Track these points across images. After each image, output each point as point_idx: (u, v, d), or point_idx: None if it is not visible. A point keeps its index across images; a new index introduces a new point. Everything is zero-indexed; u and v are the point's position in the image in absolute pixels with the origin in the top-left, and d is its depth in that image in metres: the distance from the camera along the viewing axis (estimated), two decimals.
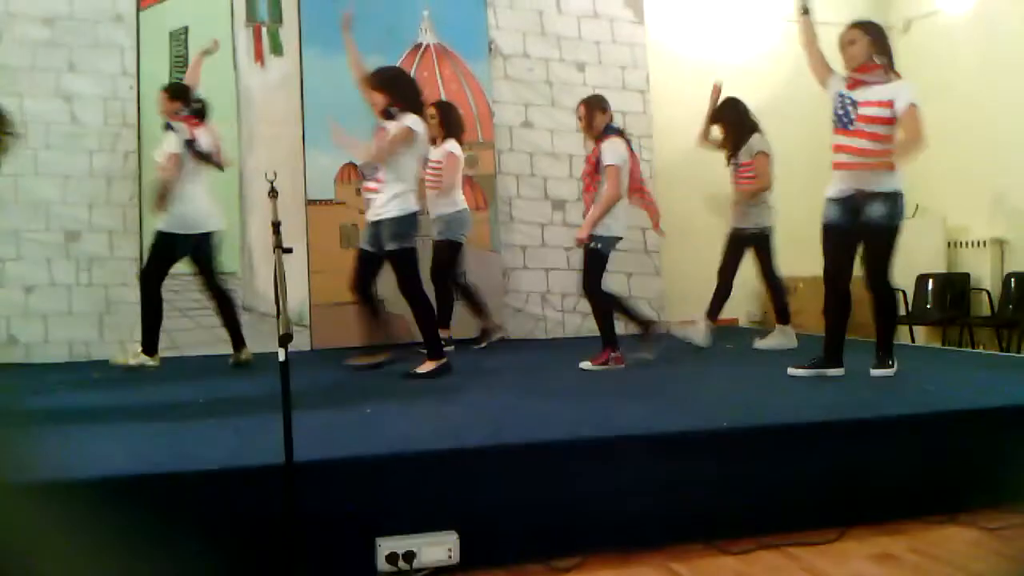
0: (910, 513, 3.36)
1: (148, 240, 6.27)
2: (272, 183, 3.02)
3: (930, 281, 7.62)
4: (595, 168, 5.11)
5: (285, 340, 2.51)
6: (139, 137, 6.37)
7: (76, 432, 3.60)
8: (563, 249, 7.20)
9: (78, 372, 5.48)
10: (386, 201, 4.83)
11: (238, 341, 5.54)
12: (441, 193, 5.98)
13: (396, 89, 4.94)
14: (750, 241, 5.95)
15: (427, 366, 4.89)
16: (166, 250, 5.39)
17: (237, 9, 6.68)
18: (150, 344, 5.43)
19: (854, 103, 4.35)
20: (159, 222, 5.38)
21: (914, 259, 7.07)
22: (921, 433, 3.53)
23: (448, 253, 6.11)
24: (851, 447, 3.44)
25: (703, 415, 3.69)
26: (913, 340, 7.51)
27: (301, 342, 6.30)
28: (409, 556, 2.85)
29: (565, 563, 2.98)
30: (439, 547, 2.90)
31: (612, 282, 7.21)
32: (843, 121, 4.38)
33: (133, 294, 6.25)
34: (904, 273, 5.73)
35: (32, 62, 6.23)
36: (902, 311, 6.67)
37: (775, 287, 6.06)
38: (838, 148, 4.42)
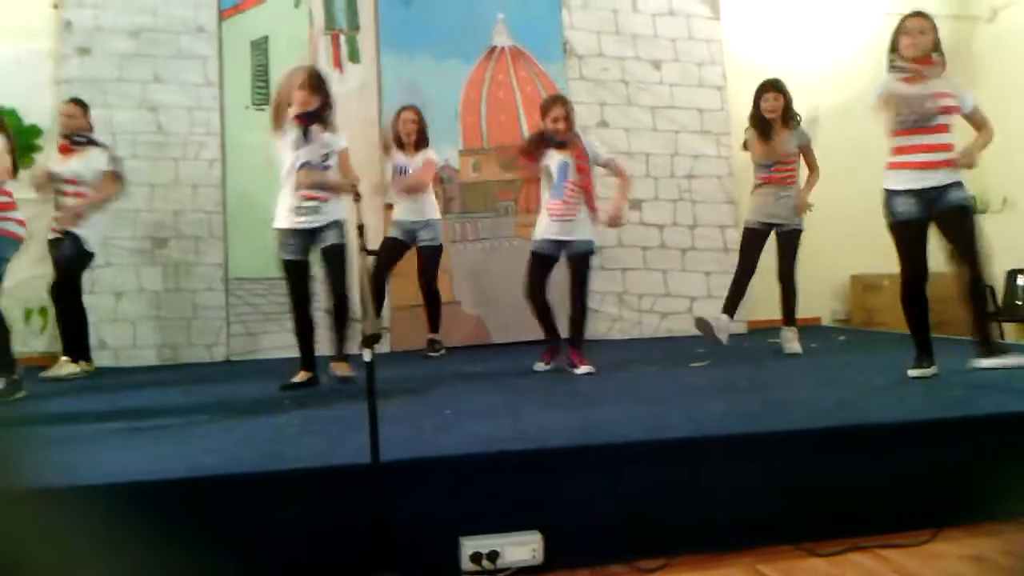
0: (1005, 515, 3.26)
1: (234, 246, 6.47)
2: (356, 188, 3.07)
3: (1019, 276, 7.39)
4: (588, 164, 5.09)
5: (371, 340, 2.54)
6: (223, 145, 6.53)
7: (164, 431, 3.70)
8: (640, 248, 7.16)
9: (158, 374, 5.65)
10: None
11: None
12: (426, 198, 6.04)
13: (329, 93, 4.80)
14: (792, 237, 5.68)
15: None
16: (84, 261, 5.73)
17: (315, 17, 6.79)
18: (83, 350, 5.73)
19: (925, 98, 4.24)
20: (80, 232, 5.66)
21: (1003, 254, 6.84)
22: (1017, 432, 3.42)
23: (439, 257, 6.18)
24: (944, 447, 3.34)
25: (790, 415, 3.64)
26: (1003, 337, 7.28)
27: (381, 344, 6.37)
28: (493, 556, 2.86)
29: (650, 564, 2.95)
30: (523, 547, 2.90)
31: (690, 281, 7.18)
32: (920, 123, 4.27)
33: (219, 299, 6.42)
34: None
35: (119, 74, 6.42)
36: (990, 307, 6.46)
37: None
38: (914, 149, 4.32)
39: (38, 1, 6.41)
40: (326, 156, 4.68)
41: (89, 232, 5.72)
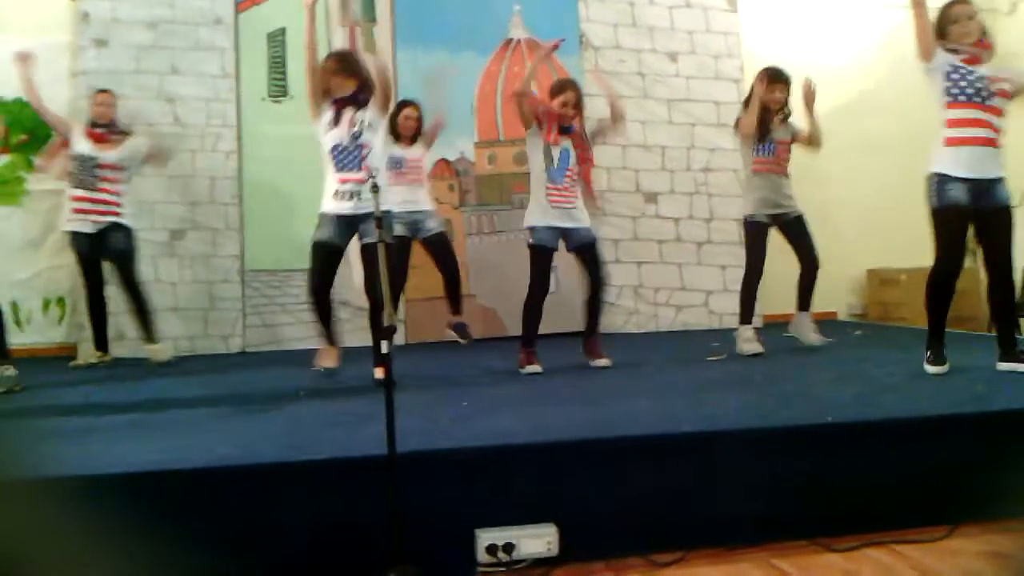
0: (1022, 512, 3.24)
1: (251, 238, 6.50)
2: (374, 178, 3.06)
3: None
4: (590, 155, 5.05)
5: (388, 333, 2.54)
6: (239, 137, 6.55)
7: (182, 422, 3.73)
8: (656, 242, 7.14)
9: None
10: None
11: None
12: (424, 189, 6.00)
13: (364, 74, 4.65)
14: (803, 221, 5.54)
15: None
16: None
17: (332, 10, 6.79)
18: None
19: (983, 78, 4.16)
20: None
21: (1021, 248, 6.80)
22: None
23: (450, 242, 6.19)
24: (961, 443, 3.33)
25: (806, 410, 3.62)
26: (1020, 332, 7.23)
27: (397, 336, 6.37)
28: (509, 548, 2.86)
29: (666, 558, 2.95)
30: (538, 539, 2.91)
31: (706, 274, 7.16)
32: (981, 95, 4.13)
33: (235, 290, 6.45)
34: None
35: (136, 65, 6.44)
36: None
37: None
38: (972, 123, 4.15)
39: None
40: (356, 134, 4.48)
41: (133, 221, 5.83)
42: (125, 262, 5.75)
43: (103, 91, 5.90)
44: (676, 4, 7.33)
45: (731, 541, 3.06)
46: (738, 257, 7.09)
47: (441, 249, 5.99)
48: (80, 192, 5.70)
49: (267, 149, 6.55)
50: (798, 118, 5.53)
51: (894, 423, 3.37)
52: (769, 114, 5.41)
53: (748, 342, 5.37)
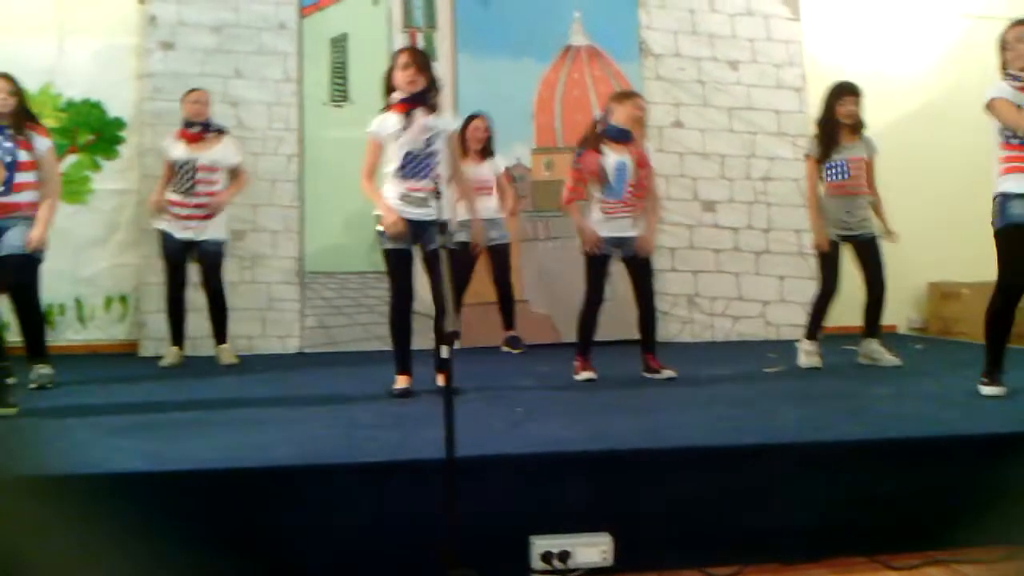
0: None
1: (309, 240, 6.57)
2: (437, 184, 3.07)
3: None
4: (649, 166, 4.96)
5: (451, 338, 2.55)
6: (301, 141, 6.63)
7: (243, 421, 3.78)
8: (712, 251, 7.08)
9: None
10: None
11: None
12: (493, 198, 6.12)
13: (434, 74, 4.51)
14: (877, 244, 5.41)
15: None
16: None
17: (394, 15, 6.85)
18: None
19: None
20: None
21: None
22: None
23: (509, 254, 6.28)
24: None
25: (865, 424, 3.57)
26: None
27: None
28: (564, 556, 2.87)
29: (721, 571, 2.94)
30: (593, 548, 2.91)
31: (763, 285, 7.09)
32: None
33: (293, 292, 6.52)
34: None
35: (201, 69, 6.53)
36: None
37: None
38: None
39: None
40: (429, 140, 4.34)
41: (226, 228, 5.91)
42: (214, 268, 5.80)
43: (196, 89, 5.88)
44: (738, 12, 7.27)
45: (788, 556, 3.04)
46: (797, 268, 7.06)
47: (500, 261, 6.07)
48: (176, 196, 5.70)
49: (328, 153, 6.61)
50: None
51: (956, 440, 3.32)
52: (837, 127, 5.29)
53: (808, 355, 5.30)
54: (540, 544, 2.88)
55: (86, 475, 2.86)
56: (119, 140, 6.58)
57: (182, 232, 5.70)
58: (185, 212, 5.69)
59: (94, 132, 6.52)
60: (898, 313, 7.45)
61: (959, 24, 7.46)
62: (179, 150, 5.72)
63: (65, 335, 6.41)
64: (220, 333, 5.89)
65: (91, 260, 6.53)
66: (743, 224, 7.15)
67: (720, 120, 7.15)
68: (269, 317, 6.50)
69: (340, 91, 6.72)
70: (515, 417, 3.81)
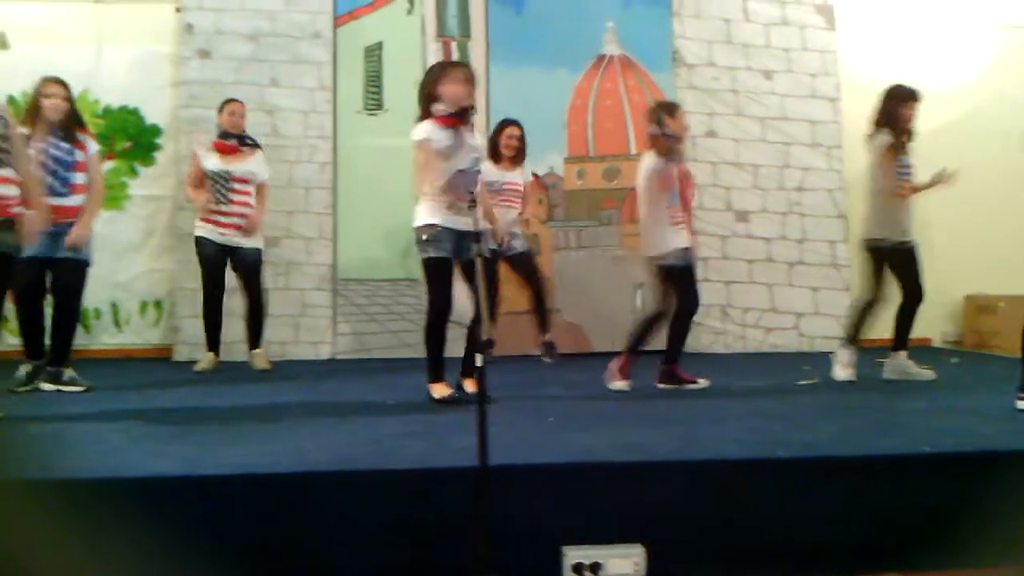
0: None
1: (343, 247, 6.61)
2: (471, 193, 3.08)
3: None
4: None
5: (486, 346, 2.56)
6: (335, 149, 6.68)
7: (276, 426, 3.80)
8: (745, 261, 7.04)
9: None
10: None
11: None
12: (515, 212, 6.12)
13: None
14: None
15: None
16: None
17: (428, 25, 6.89)
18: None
19: None
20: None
21: None
22: None
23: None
24: None
25: (901, 438, 3.53)
26: None
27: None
28: (596, 567, 2.84)
29: None
30: (625, 560, 2.88)
31: (796, 296, 7.03)
32: None
33: (326, 298, 6.56)
34: None
35: (236, 77, 6.60)
36: None
37: None
38: None
39: (161, 5, 6.65)
40: (477, 159, 4.40)
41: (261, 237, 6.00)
42: (254, 275, 5.89)
43: (234, 100, 5.95)
44: (772, 21, 7.24)
45: (822, 570, 3.00)
46: (831, 279, 7.00)
47: (527, 268, 6.08)
48: (213, 205, 5.77)
49: (361, 161, 6.66)
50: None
51: (994, 456, 3.26)
52: (907, 133, 5.21)
53: (844, 368, 5.21)
54: (572, 555, 2.85)
55: (122, 479, 2.88)
56: (155, 147, 6.67)
57: (220, 238, 5.76)
58: (222, 219, 5.76)
59: (131, 139, 6.61)
60: (933, 326, 7.36)
61: (996, 35, 7.38)
62: (212, 161, 5.79)
63: (101, 339, 6.51)
64: (255, 338, 5.94)
65: (127, 265, 6.60)
66: (776, 235, 7.10)
67: (754, 130, 7.12)
68: (302, 323, 6.55)
69: (374, 99, 6.76)
70: (547, 426, 3.80)
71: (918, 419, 4.02)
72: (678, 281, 4.89)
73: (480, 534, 2.63)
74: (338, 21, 6.82)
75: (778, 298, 7.06)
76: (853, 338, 5.28)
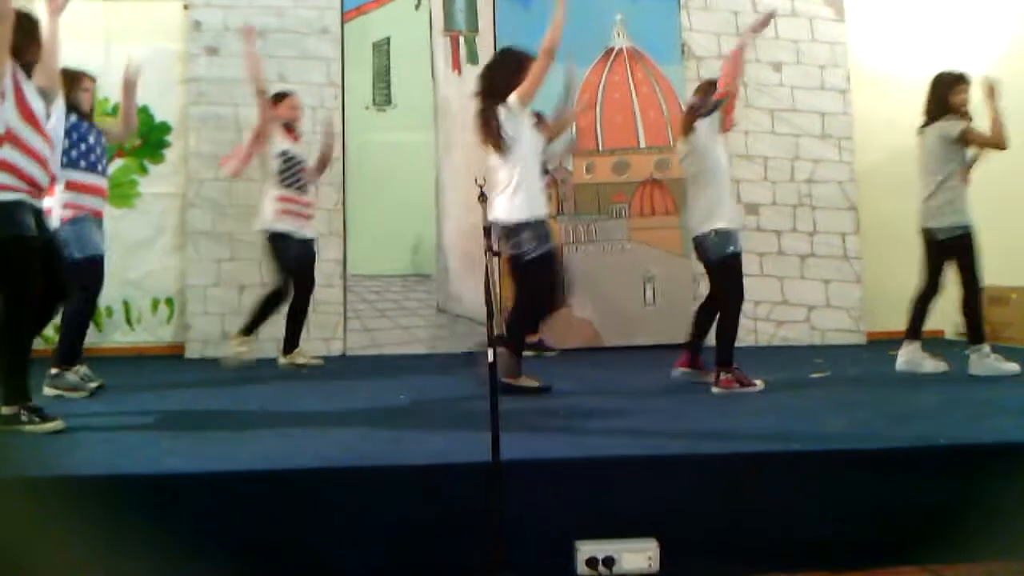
0: None
1: (353, 243, 6.60)
2: (482, 187, 3.07)
3: None
4: None
5: (497, 341, 2.55)
6: (343, 145, 6.67)
7: (288, 423, 3.80)
8: (756, 255, 7.00)
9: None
10: None
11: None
12: None
13: None
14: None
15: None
16: None
17: (435, 19, 6.88)
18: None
19: None
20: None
21: None
22: None
23: None
24: None
25: (915, 431, 3.52)
26: None
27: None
28: (609, 561, 2.84)
29: None
30: (639, 554, 2.87)
31: (808, 289, 7.01)
32: None
33: (337, 295, 6.56)
34: None
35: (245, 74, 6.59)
36: None
37: None
38: None
39: (169, 2, 6.66)
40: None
41: None
42: (313, 267, 5.89)
43: (292, 94, 5.92)
44: (781, 13, 7.17)
45: (837, 564, 2.98)
46: (842, 272, 6.97)
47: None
48: (290, 193, 5.68)
49: (370, 156, 6.66)
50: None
51: (1010, 448, 3.24)
52: (967, 118, 5.16)
53: (924, 360, 5.16)
54: (585, 549, 2.85)
55: (138, 476, 2.89)
56: (165, 144, 6.68)
57: (300, 231, 5.72)
58: (302, 210, 5.74)
59: (140, 136, 6.61)
60: (946, 318, 7.32)
61: (1006, 25, 7.32)
62: (287, 144, 5.73)
63: (113, 337, 6.52)
64: (295, 339, 5.85)
65: (138, 263, 6.61)
66: (787, 227, 7.08)
67: (763, 122, 7.10)
68: (313, 320, 6.51)
69: (383, 95, 6.76)
70: (559, 421, 3.79)
71: (933, 411, 4.01)
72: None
73: (493, 529, 2.63)
74: (346, 17, 6.82)
75: (789, 291, 7.04)
76: (916, 334, 5.22)
